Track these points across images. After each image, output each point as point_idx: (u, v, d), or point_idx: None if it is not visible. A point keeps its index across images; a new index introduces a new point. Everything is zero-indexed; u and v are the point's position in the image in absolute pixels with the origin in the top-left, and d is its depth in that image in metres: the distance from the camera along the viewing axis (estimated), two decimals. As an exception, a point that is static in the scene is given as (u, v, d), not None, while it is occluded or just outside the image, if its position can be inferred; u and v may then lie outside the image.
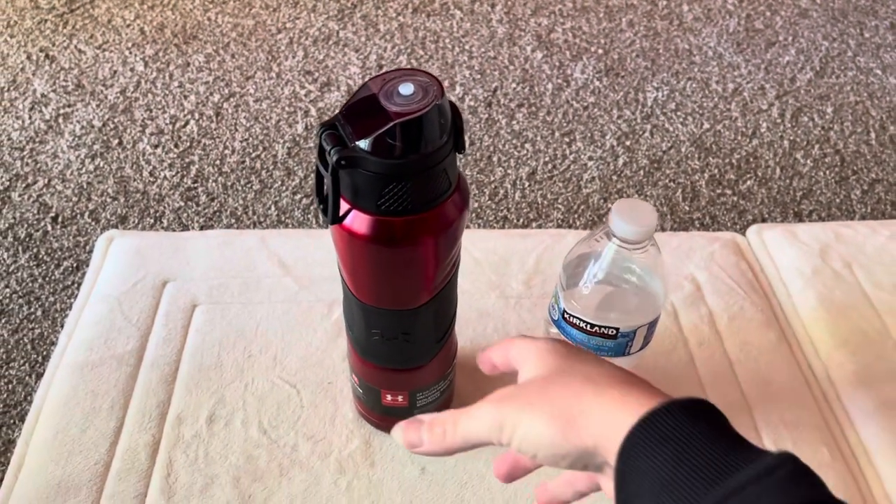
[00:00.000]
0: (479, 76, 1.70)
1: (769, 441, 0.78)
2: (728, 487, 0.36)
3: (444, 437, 0.46)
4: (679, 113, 1.57)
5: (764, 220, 1.29)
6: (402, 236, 0.49)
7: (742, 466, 0.37)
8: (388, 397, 0.64)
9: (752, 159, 1.44)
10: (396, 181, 0.47)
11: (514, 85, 1.67)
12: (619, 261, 0.66)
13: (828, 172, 1.42)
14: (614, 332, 0.65)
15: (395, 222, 0.48)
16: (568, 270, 0.68)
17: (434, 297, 0.57)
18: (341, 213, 0.49)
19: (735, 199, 1.34)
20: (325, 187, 0.48)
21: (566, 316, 0.67)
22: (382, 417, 0.69)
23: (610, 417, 0.41)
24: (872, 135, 1.53)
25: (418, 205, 0.48)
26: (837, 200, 1.36)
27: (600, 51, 1.79)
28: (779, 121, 1.56)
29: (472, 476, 0.73)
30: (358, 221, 0.49)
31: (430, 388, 0.65)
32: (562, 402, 0.43)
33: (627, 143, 1.48)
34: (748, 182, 1.38)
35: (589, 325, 0.66)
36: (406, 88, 0.46)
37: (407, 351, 0.61)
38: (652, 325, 0.67)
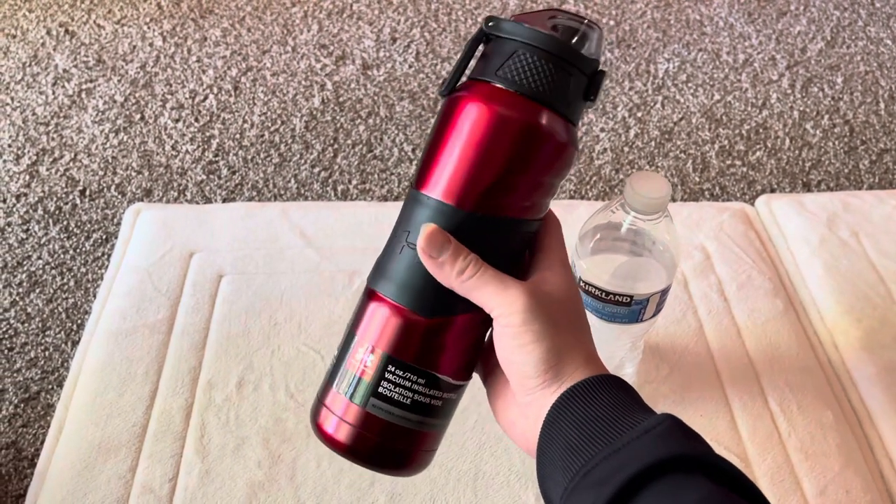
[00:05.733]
0: (491, 48, 1.71)
1: (775, 404, 0.81)
2: (614, 446, 0.40)
3: (451, 275, 0.45)
4: (690, 84, 1.58)
5: (773, 191, 1.30)
6: (506, 107, 0.45)
7: (634, 427, 0.41)
8: (358, 353, 0.48)
9: (761, 130, 1.46)
10: (529, 52, 0.45)
11: (526, 57, 1.68)
12: (634, 231, 0.68)
13: (837, 143, 1.43)
14: (628, 299, 0.68)
15: (508, 94, 0.46)
16: (584, 240, 0.71)
17: (484, 213, 0.46)
18: (460, 83, 0.48)
19: (745, 169, 1.36)
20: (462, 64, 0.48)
21: (582, 284, 0.70)
22: (326, 395, 0.51)
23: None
24: (882, 105, 1.54)
25: (539, 90, 0.45)
26: (846, 170, 1.38)
27: (612, 22, 1.80)
28: (789, 91, 1.57)
29: (489, 437, 0.77)
30: (476, 87, 0.47)
31: (414, 371, 0.48)
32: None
33: (639, 114, 1.49)
34: (758, 153, 1.40)
35: (604, 293, 0.68)
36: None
37: (427, 281, 0.47)
38: (664, 293, 0.70)
